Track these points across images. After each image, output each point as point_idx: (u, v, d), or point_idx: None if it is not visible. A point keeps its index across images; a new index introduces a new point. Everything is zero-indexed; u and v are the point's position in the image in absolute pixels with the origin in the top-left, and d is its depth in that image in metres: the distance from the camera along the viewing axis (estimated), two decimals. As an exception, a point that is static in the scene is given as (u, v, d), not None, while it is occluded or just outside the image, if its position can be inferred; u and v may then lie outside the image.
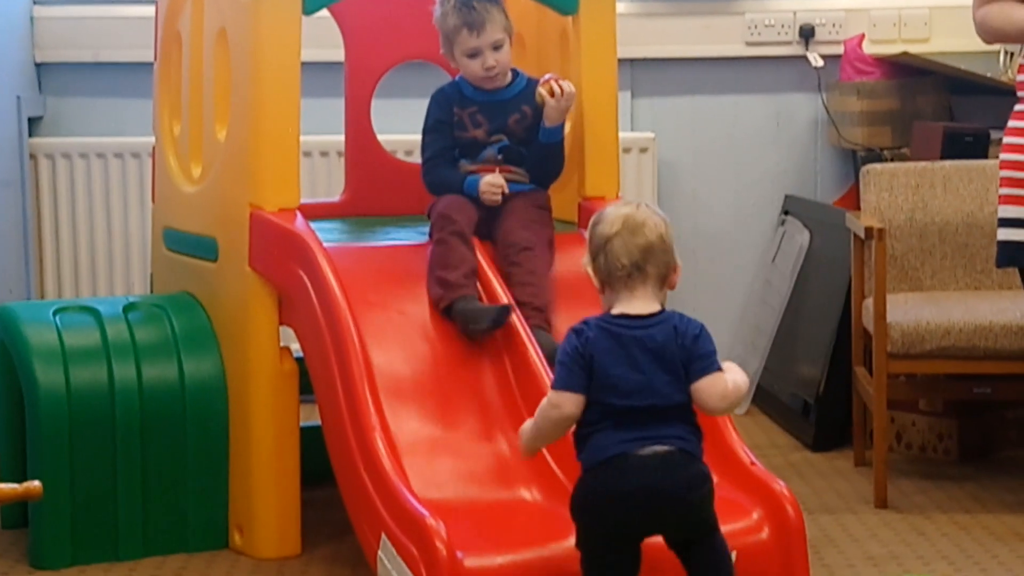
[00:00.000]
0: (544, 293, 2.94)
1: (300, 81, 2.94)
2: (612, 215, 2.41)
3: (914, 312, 3.69)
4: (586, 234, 2.45)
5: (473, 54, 3.11)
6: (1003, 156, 2.92)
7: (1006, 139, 2.92)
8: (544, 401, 2.39)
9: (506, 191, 3.05)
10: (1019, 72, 2.93)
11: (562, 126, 3.10)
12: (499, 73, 3.13)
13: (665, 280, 2.41)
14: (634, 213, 2.40)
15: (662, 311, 2.40)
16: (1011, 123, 2.91)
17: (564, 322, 2.91)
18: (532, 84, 3.12)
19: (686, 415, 2.39)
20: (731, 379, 2.40)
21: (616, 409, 2.33)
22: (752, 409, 4.50)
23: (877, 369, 3.67)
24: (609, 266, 2.37)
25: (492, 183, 3.05)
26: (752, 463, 2.68)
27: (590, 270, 2.41)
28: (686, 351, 2.37)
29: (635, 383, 2.34)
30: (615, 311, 2.39)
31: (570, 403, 2.34)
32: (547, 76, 3.08)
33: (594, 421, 2.35)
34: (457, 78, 3.19)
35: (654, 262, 2.38)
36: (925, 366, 3.70)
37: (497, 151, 3.12)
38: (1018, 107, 2.90)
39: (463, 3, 3.12)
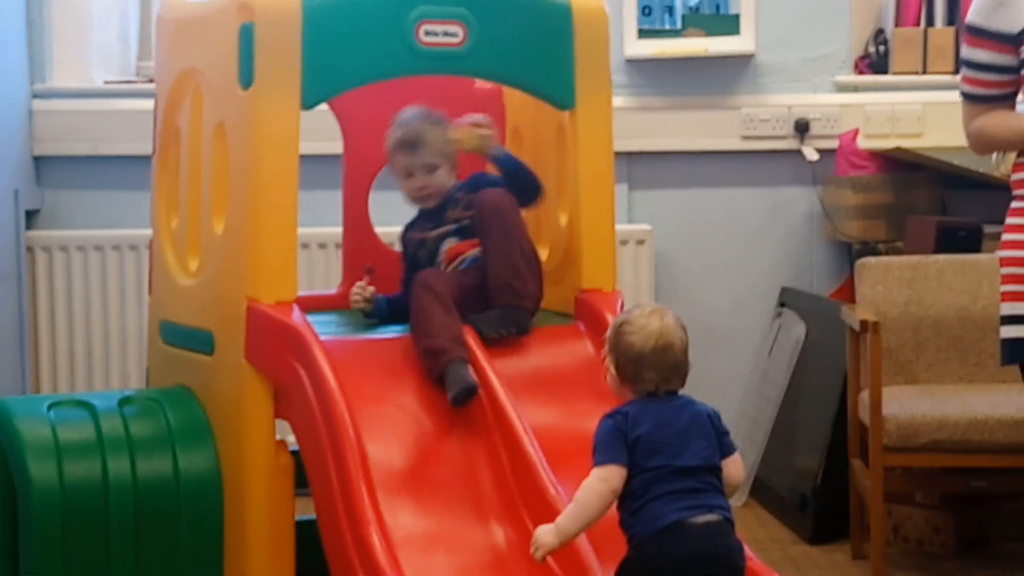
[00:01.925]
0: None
1: (298, 174, 2.95)
2: (643, 328, 2.50)
3: (909, 405, 3.70)
4: (610, 334, 2.53)
5: (408, 174, 3.20)
6: (1003, 253, 2.92)
7: (1005, 236, 2.92)
8: (589, 479, 2.43)
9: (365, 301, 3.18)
10: (1014, 171, 2.94)
11: (502, 149, 3.21)
12: (431, 195, 3.21)
13: (682, 381, 2.54)
14: (663, 329, 2.50)
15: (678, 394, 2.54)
16: (1009, 220, 2.91)
17: (558, 413, 2.90)
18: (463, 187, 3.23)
19: (721, 483, 2.48)
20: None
21: (663, 472, 2.41)
22: (750, 502, 4.48)
23: (873, 462, 3.66)
24: (639, 375, 2.49)
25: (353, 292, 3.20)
26: (749, 557, 2.66)
27: (613, 370, 2.51)
28: (716, 425, 2.50)
29: (678, 444, 2.43)
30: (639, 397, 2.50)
31: (616, 476, 2.41)
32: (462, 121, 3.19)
33: (642, 491, 2.41)
34: None
35: (678, 375, 2.51)
36: (921, 459, 3.70)
37: (453, 234, 3.18)
38: (1015, 204, 2.90)
39: (404, 122, 3.22)
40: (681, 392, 2.52)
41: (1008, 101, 2.95)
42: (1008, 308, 2.89)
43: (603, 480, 2.42)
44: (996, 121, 2.94)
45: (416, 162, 3.20)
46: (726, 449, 2.50)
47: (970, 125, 2.98)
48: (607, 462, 2.42)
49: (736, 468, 2.51)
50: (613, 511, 2.47)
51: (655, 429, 2.43)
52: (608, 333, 2.55)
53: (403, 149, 3.21)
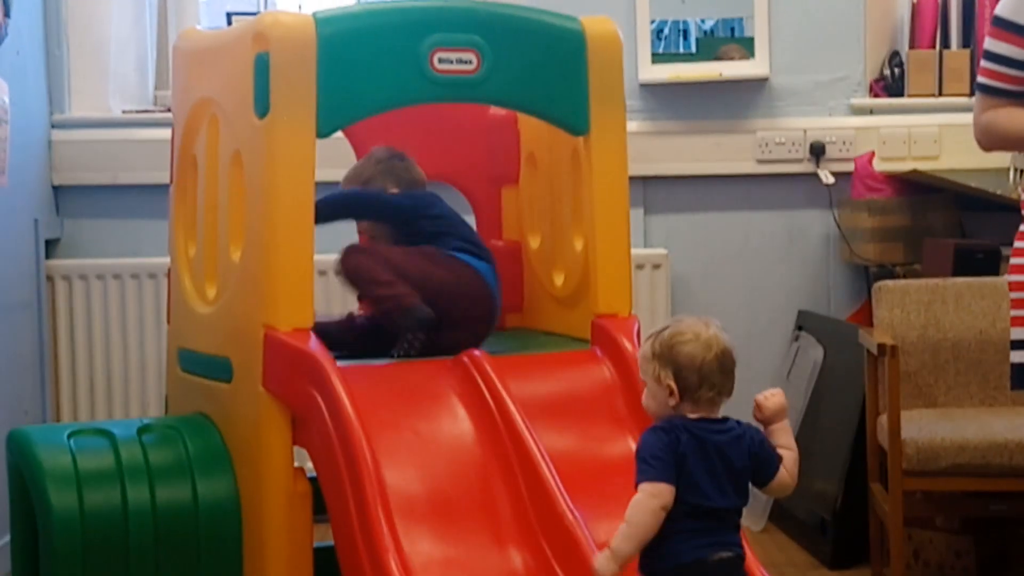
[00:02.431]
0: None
1: (314, 201, 2.96)
2: (698, 336, 2.47)
3: (928, 429, 3.68)
4: (659, 349, 2.48)
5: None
6: (1011, 277, 2.91)
7: (1013, 260, 2.90)
8: (640, 497, 2.39)
9: None
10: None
11: None
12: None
13: (729, 396, 2.51)
14: (718, 335, 2.49)
15: (726, 419, 2.50)
16: (1017, 243, 2.90)
17: (575, 438, 2.90)
18: None
19: (739, 520, 2.47)
20: (790, 458, 2.52)
21: (698, 509, 2.39)
22: (769, 526, 4.47)
23: (893, 486, 3.65)
24: (702, 383, 2.45)
25: None
26: (769, 583, 2.66)
27: (672, 384, 2.46)
28: (756, 458, 2.47)
29: (715, 485, 2.41)
30: (693, 416, 2.46)
31: (668, 494, 2.38)
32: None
33: (672, 521, 2.39)
34: None
35: (731, 384, 2.49)
36: (941, 483, 3.68)
37: None
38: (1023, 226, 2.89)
39: (385, 158, 3.31)
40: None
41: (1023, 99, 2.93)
42: (1018, 333, 2.87)
43: (654, 496, 2.38)
44: (1007, 116, 2.91)
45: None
46: (769, 475, 2.48)
47: (981, 117, 2.94)
48: (658, 479, 2.38)
49: (790, 476, 2.50)
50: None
51: (702, 461, 2.40)
52: (654, 348, 2.49)
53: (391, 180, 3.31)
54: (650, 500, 2.38)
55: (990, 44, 2.92)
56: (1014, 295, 2.89)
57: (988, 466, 3.62)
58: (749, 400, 4.85)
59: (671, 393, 2.46)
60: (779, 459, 2.50)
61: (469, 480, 2.80)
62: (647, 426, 2.92)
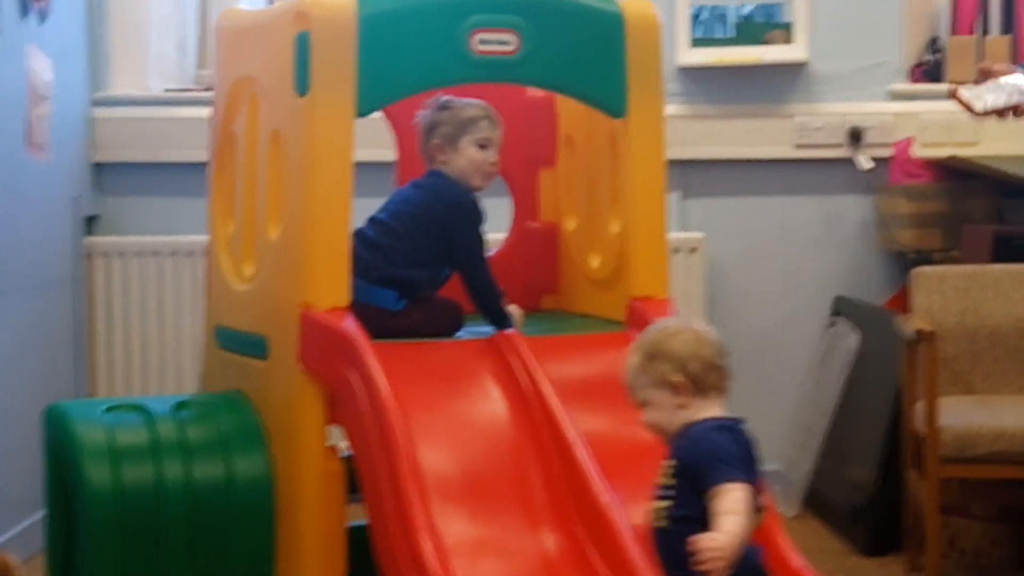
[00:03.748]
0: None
1: (352, 181, 2.97)
2: (688, 328, 2.45)
3: (966, 416, 3.67)
4: (650, 349, 2.43)
5: (484, 145, 3.17)
6: None
7: None
8: (741, 493, 2.29)
9: None
10: None
11: None
12: (494, 174, 3.21)
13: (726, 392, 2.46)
14: (702, 325, 2.47)
15: None
16: None
17: (609, 420, 2.90)
18: None
19: None
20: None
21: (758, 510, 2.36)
22: (803, 512, 4.47)
23: (929, 474, 3.63)
24: (707, 369, 2.40)
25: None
26: (803, 568, 2.65)
27: (679, 379, 2.39)
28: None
29: (759, 483, 2.38)
30: (719, 415, 2.40)
31: (754, 497, 2.33)
32: None
33: None
34: (450, 178, 3.18)
35: (730, 371, 2.45)
36: (978, 471, 3.67)
37: None
38: None
39: (484, 104, 3.21)
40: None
41: None
42: None
43: (750, 495, 2.30)
44: None
45: (496, 137, 3.20)
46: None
47: None
48: (747, 481, 2.30)
49: (767, 498, 2.45)
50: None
51: (752, 458, 2.36)
52: (646, 353, 2.42)
53: (488, 121, 3.19)
54: (748, 497, 2.29)
55: None
56: None
57: (1026, 454, 3.60)
58: (784, 386, 4.86)
59: (678, 390, 2.39)
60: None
61: (503, 461, 2.81)
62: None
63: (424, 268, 3.11)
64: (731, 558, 2.25)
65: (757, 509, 2.35)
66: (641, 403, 2.46)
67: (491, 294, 3.14)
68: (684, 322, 2.49)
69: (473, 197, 3.17)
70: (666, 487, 2.39)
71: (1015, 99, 2.94)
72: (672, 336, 2.44)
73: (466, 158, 3.18)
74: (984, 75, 2.91)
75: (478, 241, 3.14)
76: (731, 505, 2.29)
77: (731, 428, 2.38)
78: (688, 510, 2.34)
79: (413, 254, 3.09)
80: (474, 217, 3.14)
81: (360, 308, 2.95)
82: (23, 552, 3.75)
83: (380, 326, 2.94)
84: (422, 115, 3.24)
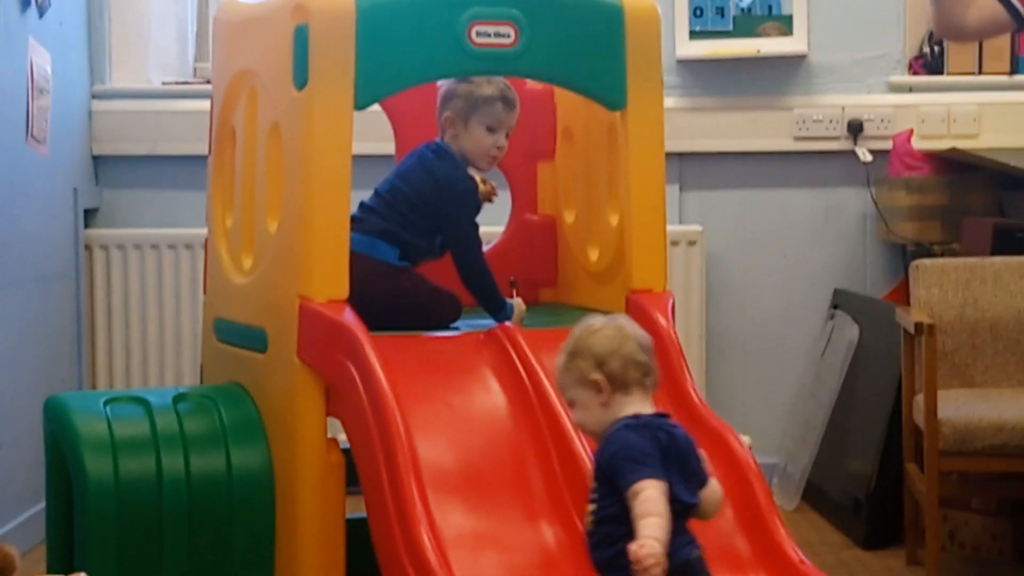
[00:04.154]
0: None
1: (351, 174, 2.97)
2: (610, 324, 2.41)
3: (966, 409, 3.67)
4: (572, 346, 2.40)
5: (494, 128, 3.17)
6: None
7: None
8: (654, 493, 2.26)
9: None
10: None
11: None
12: (500, 159, 3.22)
13: (656, 388, 2.41)
14: (626, 320, 2.43)
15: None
16: None
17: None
18: None
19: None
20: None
21: (679, 507, 2.30)
22: (802, 505, 4.46)
23: (929, 467, 3.63)
24: (626, 366, 2.36)
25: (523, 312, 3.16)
26: (802, 561, 2.65)
27: (597, 377, 2.36)
28: (698, 453, 2.38)
29: (684, 483, 2.32)
30: (643, 411, 2.36)
31: (668, 493, 2.28)
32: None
33: None
34: (452, 153, 3.19)
35: (656, 369, 2.41)
36: (978, 464, 3.67)
37: None
38: None
39: (503, 84, 3.19)
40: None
41: None
42: None
43: (665, 492, 2.26)
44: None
45: (508, 121, 3.19)
46: (705, 477, 2.37)
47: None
48: (660, 478, 2.26)
49: (717, 496, 2.37)
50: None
51: (675, 458, 2.31)
52: (568, 351, 2.39)
53: (503, 103, 3.19)
54: (662, 496, 2.26)
55: None
56: None
57: (1025, 447, 3.60)
58: (783, 379, 4.85)
59: (599, 388, 2.36)
60: (706, 470, 2.38)
61: (502, 454, 2.81)
62: (681, 401, 2.92)
63: (421, 237, 3.14)
64: (661, 561, 2.21)
65: (679, 508, 2.28)
66: (569, 402, 2.44)
67: (483, 280, 3.15)
68: (608, 319, 2.44)
69: (469, 183, 3.18)
70: (593, 490, 2.36)
71: None
72: (592, 333, 2.40)
73: (474, 139, 3.19)
74: None
75: (470, 226, 3.15)
76: (644, 507, 2.25)
77: (647, 424, 2.33)
78: (611, 511, 2.31)
79: (410, 225, 3.14)
80: (467, 203, 3.15)
81: (359, 261, 2.95)
82: (24, 544, 3.75)
83: (379, 284, 2.94)
84: (444, 82, 3.24)
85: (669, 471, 2.30)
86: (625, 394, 2.37)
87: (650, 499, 2.25)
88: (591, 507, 2.34)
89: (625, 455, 2.29)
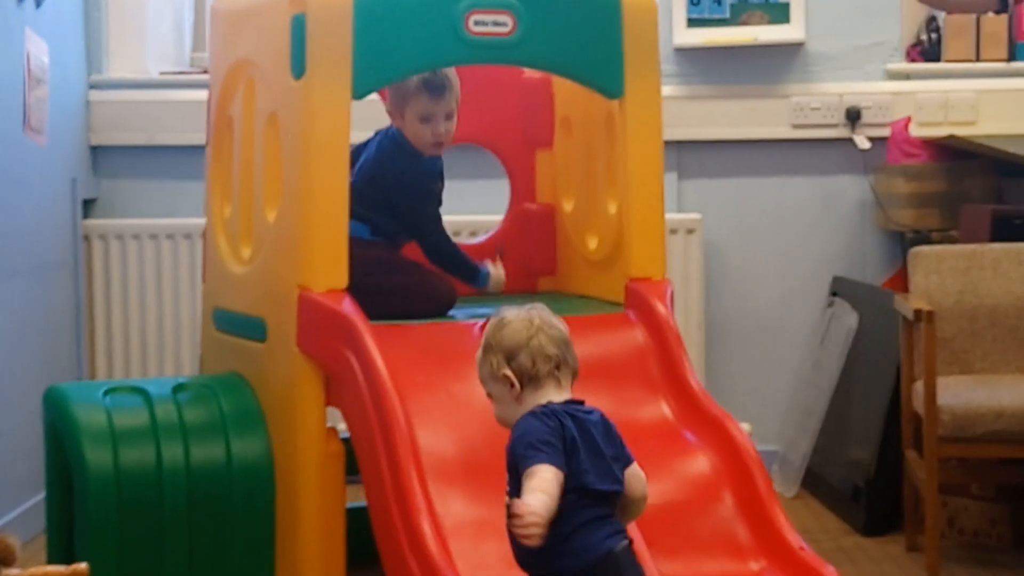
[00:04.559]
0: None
1: (349, 163, 2.97)
2: (518, 316, 2.38)
3: (965, 395, 3.67)
4: (487, 341, 2.38)
5: (426, 118, 3.18)
6: None
7: None
8: (547, 473, 2.21)
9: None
10: None
11: None
12: (446, 143, 3.23)
13: (576, 376, 2.39)
14: (539, 312, 2.39)
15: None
16: None
17: (608, 401, 2.90)
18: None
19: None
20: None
21: (593, 495, 2.26)
22: (801, 492, 4.47)
23: (928, 453, 3.64)
24: (535, 359, 2.33)
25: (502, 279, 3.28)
26: (801, 548, 2.66)
27: (508, 372, 2.34)
28: (620, 439, 2.35)
29: (600, 467, 2.28)
30: (556, 400, 2.33)
31: (561, 480, 2.23)
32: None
33: (572, 513, 2.25)
34: (403, 142, 3.22)
35: (571, 355, 2.37)
36: (977, 450, 3.67)
37: None
38: None
39: (428, 76, 3.20)
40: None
41: None
42: None
43: (558, 478, 2.22)
44: None
45: (440, 109, 3.20)
46: (629, 459, 2.34)
47: None
48: (553, 464, 2.22)
49: (640, 481, 2.34)
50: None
51: (586, 445, 2.27)
52: (482, 346, 2.37)
53: (428, 93, 3.19)
54: (557, 486, 2.21)
55: None
56: None
57: (1024, 433, 3.60)
58: (782, 367, 4.85)
59: (511, 383, 2.34)
60: (630, 454, 2.35)
61: (502, 442, 2.80)
62: (681, 389, 2.93)
63: (388, 218, 3.20)
64: (541, 524, 2.18)
65: (596, 496, 2.25)
66: (488, 396, 2.41)
67: (451, 256, 3.24)
68: (522, 309, 2.40)
69: (421, 165, 3.19)
70: (508, 481, 2.32)
71: None
72: (502, 327, 2.37)
73: (411, 130, 3.23)
74: None
75: (424, 211, 3.19)
76: (531, 483, 2.21)
77: (553, 412, 2.29)
78: None
79: (375, 207, 3.19)
80: (416, 192, 3.19)
81: None
82: (24, 534, 3.75)
83: (354, 258, 2.93)
84: None
85: (578, 458, 2.26)
86: (537, 387, 2.34)
87: (539, 477, 2.21)
88: (506, 499, 2.27)
89: (524, 442, 2.27)
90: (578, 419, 2.30)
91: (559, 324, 2.39)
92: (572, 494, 2.24)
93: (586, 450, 2.27)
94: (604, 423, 2.34)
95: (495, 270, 3.28)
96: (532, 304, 2.42)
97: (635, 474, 2.34)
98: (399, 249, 3.26)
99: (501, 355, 2.35)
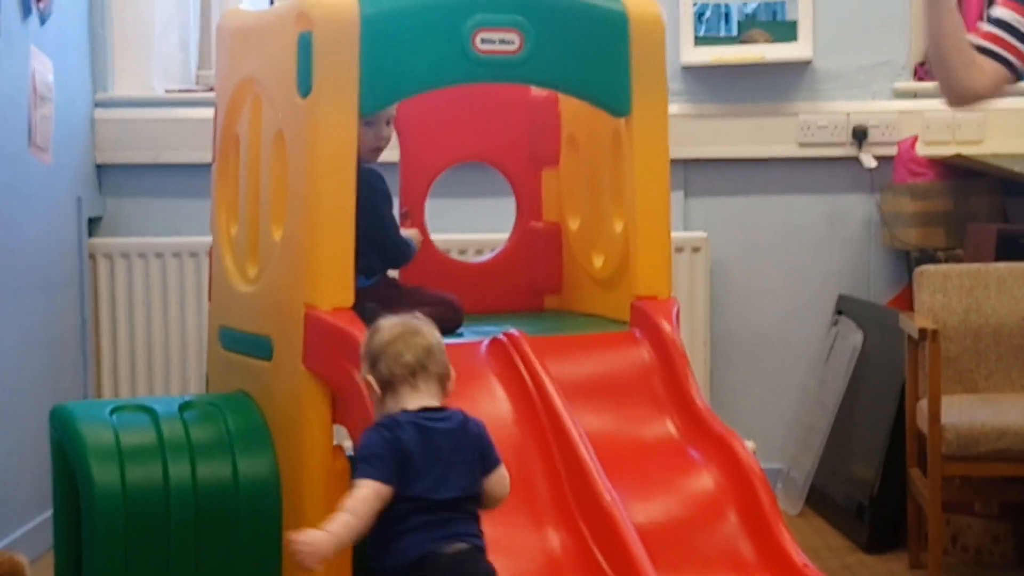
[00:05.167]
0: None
1: (355, 182, 2.98)
2: (388, 325, 2.48)
3: (969, 414, 3.67)
4: (362, 349, 2.49)
5: (370, 122, 3.16)
6: None
7: None
8: (362, 492, 2.33)
9: None
10: None
11: None
12: (384, 148, 3.23)
13: (444, 382, 2.47)
14: (409, 320, 2.48)
15: (447, 408, 2.45)
16: None
17: (613, 419, 2.90)
18: None
19: (476, 510, 2.43)
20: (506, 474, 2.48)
21: (425, 503, 2.35)
22: (806, 510, 4.47)
23: (932, 471, 3.63)
24: (391, 366, 2.43)
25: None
26: (805, 565, 2.66)
27: (370, 378, 2.45)
28: (480, 444, 2.43)
29: (439, 475, 2.37)
30: (410, 407, 2.42)
31: (386, 494, 2.34)
32: None
33: (399, 519, 2.35)
34: None
35: (434, 362, 2.45)
36: (980, 468, 3.67)
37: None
38: None
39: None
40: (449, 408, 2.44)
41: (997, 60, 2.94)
42: None
43: (378, 497, 2.33)
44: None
45: (384, 113, 3.19)
46: (489, 465, 2.43)
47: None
48: (378, 479, 2.33)
49: (500, 483, 2.45)
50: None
51: (426, 453, 2.36)
52: (360, 354, 2.49)
53: None
54: (375, 501, 2.33)
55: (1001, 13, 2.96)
56: None
57: (1029, 452, 3.60)
58: (787, 384, 4.85)
59: (372, 389, 2.45)
60: (496, 458, 2.45)
61: (507, 460, 2.80)
62: (685, 407, 2.93)
63: (371, 255, 3.15)
64: (322, 554, 2.30)
65: (428, 504, 2.33)
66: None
67: (404, 256, 3.27)
68: (396, 318, 2.49)
69: (361, 174, 3.16)
70: None
71: None
72: (372, 334, 2.49)
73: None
74: None
75: (373, 216, 3.15)
76: (348, 502, 2.34)
77: (393, 423, 2.38)
78: None
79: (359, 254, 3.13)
80: (369, 195, 3.14)
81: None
82: (31, 552, 3.76)
83: (363, 308, 2.95)
84: None
85: (412, 469, 2.34)
86: (394, 394, 2.44)
87: (358, 498, 2.34)
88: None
89: (359, 455, 2.39)
90: (423, 428, 2.39)
91: (428, 332, 2.47)
92: (403, 503, 2.35)
93: (424, 459, 2.36)
94: (462, 429, 2.42)
95: (412, 234, 3.33)
96: (414, 313, 2.52)
97: (499, 479, 2.45)
98: (391, 280, 3.25)
99: (367, 362, 2.47)
